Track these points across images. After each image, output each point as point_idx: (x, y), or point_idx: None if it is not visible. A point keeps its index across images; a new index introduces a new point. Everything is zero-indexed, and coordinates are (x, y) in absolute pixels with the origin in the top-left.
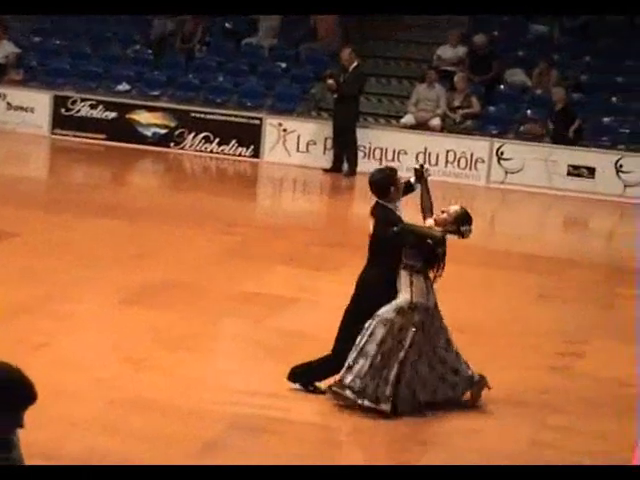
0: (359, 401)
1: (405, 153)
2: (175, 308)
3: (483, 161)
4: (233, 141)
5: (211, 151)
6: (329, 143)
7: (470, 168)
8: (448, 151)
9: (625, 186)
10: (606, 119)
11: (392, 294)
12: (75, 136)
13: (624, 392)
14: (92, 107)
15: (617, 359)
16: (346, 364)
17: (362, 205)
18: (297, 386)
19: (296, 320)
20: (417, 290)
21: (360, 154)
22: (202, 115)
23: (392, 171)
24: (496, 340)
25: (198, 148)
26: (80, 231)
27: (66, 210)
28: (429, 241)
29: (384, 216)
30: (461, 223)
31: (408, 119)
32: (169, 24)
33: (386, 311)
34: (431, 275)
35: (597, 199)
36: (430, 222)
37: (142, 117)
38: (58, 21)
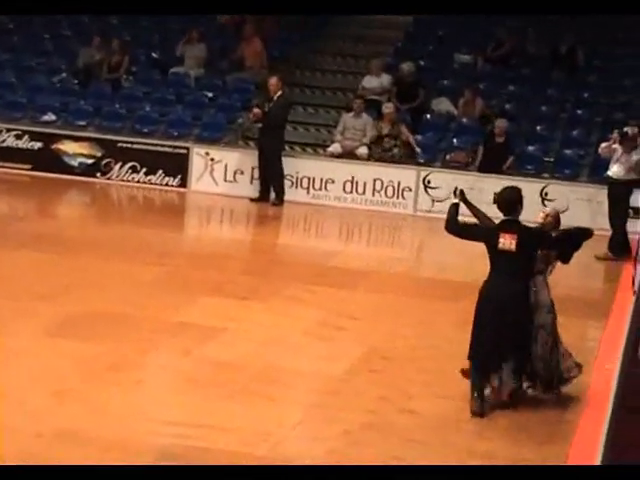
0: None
1: (332, 182)
2: (102, 339)
3: (410, 190)
4: (160, 171)
5: (138, 181)
6: (256, 172)
7: (397, 197)
8: (375, 179)
9: None
10: (531, 148)
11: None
12: (0, 166)
13: (550, 419)
14: (17, 137)
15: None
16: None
17: (289, 234)
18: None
19: (224, 350)
20: (541, 289)
21: (287, 183)
22: (129, 145)
23: (519, 190)
24: (422, 368)
25: (125, 178)
26: (5, 263)
27: None
28: (587, 234)
29: (528, 232)
30: (557, 222)
31: (335, 148)
32: (95, 54)
33: (542, 317)
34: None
35: None
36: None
37: (68, 147)
38: None
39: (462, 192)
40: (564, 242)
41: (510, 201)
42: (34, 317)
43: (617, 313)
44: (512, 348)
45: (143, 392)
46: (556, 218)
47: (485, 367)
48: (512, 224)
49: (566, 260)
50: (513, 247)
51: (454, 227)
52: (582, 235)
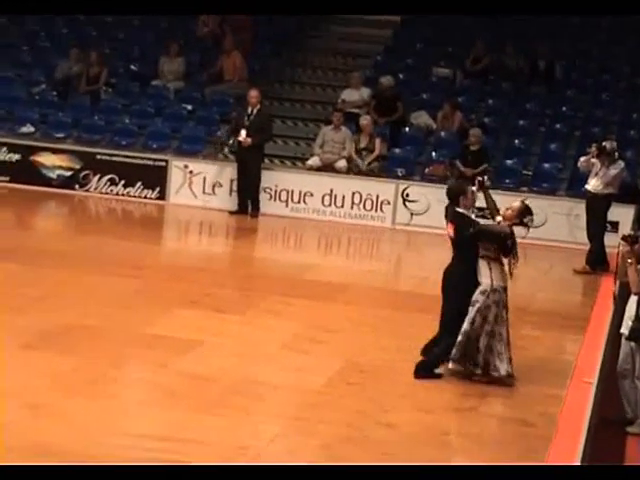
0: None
1: (311, 195)
2: (77, 352)
3: (389, 203)
4: (139, 183)
5: (117, 193)
6: (235, 185)
7: (376, 210)
8: (354, 193)
9: (529, 228)
10: (509, 161)
11: (476, 282)
12: None
13: (528, 433)
14: None
15: (520, 399)
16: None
17: (268, 247)
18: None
19: (201, 363)
20: (496, 274)
21: (266, 196)
22: (107, 157)
23: (462, 183)
24: (400, 380)
25: (103, 190)
26: None
27: None
28: (501, 236)
29: (461, 220)
30: (523, 216)
31: (314, 161)
32: (74, 66)
33: (475, 295)
34: (505, 262)
35: None
36: (499, 219)
37: (47, 159)
38: None
39: (482, 182)
40: (482, 235)
41: (450, 191)
42: (8, 330)
43: (595, 326)
44: (446, 323)
45: (118, 406)
46: (518, 211)
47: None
48: (453, 214)
49: (504, 254)
50: (452, 234)
51: None
52: (496, 237)
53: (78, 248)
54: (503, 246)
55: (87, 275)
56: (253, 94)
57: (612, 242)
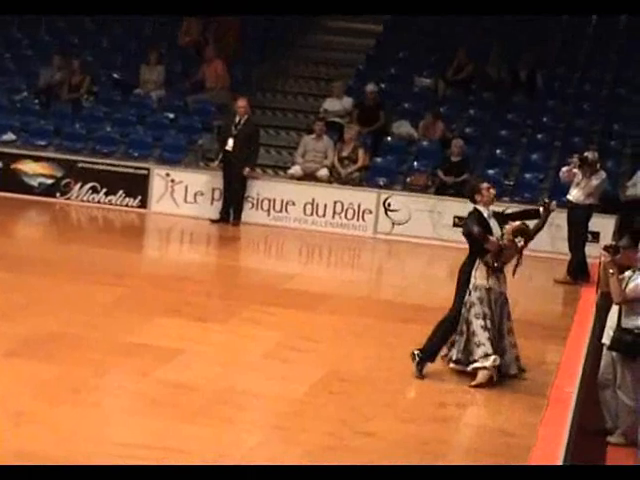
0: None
1: (293, 204)
2: (59, 361)
3: (370, 212)
4: (120, 191)
5: (98, 201)
6: (217, 194)
7: (357, 219)
8: (336, 202)
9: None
10: (491, 171)
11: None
12: None
13: (508, 442)
14: None
15: (501, 408)
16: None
17: (249, 256)
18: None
19: (182, 372)
20: (479, 274)
21: (248, 205)
22: (89, 165)
23: (477, 180)
24: (382, 389)
25: (85, 198)
26: None
27: None
28: (473, 235)
29: (468, 216)
30: (515, 235)
31: (295, 170)
32: (56, 73)
33: (467, 294)
34: (490, 262)
35: None
36: (507, 228)
37: (28, 167)
38: None
39: (547, 205)
40: (465, 232)
41: (466, 189)
42: None
43: (576, 336)
44: (449, 315)
45: (101, 414)
46: (513, 228)
47: None
48: (467, 214)
49: (479, 255)
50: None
51: None
52: (470, 235)
53: (60, 256)
54: (476, 246)
55: (69, 283)
56: (241, 104)
57: (593, 252)
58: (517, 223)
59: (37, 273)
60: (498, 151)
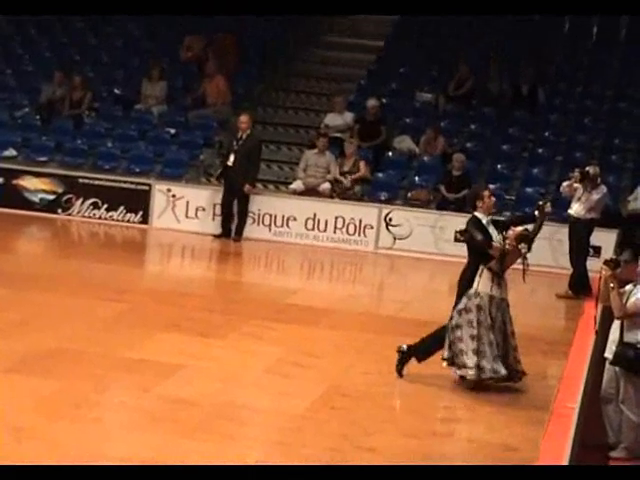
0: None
1: (294, 219)
2: (60, 376)
3: (372, 227)
4: (121, 207)
5: (99, 217)
6: (218, 209)
7: (359, 234)
8: (337, 217)
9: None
10: (492, 186)
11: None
12: None
13: (510, 457)
14: None
15: (503, 423)
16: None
17: (250, 271)
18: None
19: (183, 387)
20: (482, 280)
21: (249, 220)
22: (90, 181)
23: (478, 188)
24: (383, 405)
25: (86, 214)
26: None
27: None
28: (478, 243)
29: (467, 223)
30: (518, 241)
31: (297, 185)
32: (57, 89)
33: (463, 297)
34: (494, 268)
35: None
36: (509, 234)
37: (29, 183)
38: None
39: (542, 207)
40: (469, 240)
41: (468, 196)
42: None
43: (578, 351)
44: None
45: (101, 429)
46: (514, 236)
47: None
48: (467, 222)
49: (483, 262)
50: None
51: None
52: (474, 243)
53: (61, 272)
54: (480, 254)
55: (69, 298)
56: (243, 119)
57: (595, 267)
58: (519, 229)
59: (38, 288)
60: (499, 166)
